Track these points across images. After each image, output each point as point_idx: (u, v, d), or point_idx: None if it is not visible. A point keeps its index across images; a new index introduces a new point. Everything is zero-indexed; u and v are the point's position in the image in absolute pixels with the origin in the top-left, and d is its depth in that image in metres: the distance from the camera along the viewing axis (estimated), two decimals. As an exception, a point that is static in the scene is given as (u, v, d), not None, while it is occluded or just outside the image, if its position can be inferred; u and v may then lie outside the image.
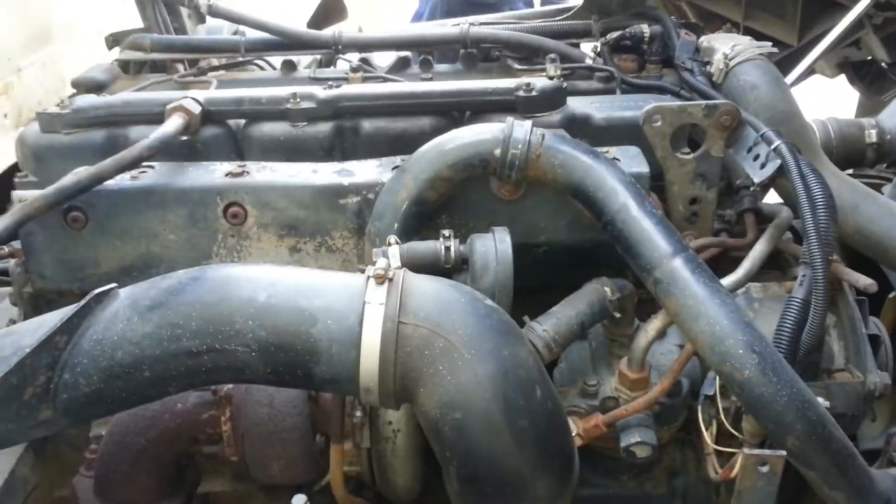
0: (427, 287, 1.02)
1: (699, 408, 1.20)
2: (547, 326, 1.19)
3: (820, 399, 1.14)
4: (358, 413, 1.20)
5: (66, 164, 1.36)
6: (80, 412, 1.03)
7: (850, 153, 1.72)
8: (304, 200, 1.31)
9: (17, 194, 1.35)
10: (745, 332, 1.02)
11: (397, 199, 1.22)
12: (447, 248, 1.13)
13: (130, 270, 1.34)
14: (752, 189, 1.31)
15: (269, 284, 1.02)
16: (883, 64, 2.62)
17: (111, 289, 1.04)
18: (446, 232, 1.16)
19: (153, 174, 1.35)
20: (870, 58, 2.64)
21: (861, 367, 1.20)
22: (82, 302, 1.01)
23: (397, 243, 1.15)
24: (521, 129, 1.19)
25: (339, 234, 1.33)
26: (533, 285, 1.32)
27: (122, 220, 1.32)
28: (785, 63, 2.58)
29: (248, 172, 1.34)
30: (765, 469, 0.96)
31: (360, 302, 0.98)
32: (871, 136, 1.75)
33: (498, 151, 1.19)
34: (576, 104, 1.48)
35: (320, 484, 1.31)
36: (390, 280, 1.01)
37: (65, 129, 1.46)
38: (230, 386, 1.27)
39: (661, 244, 1.10)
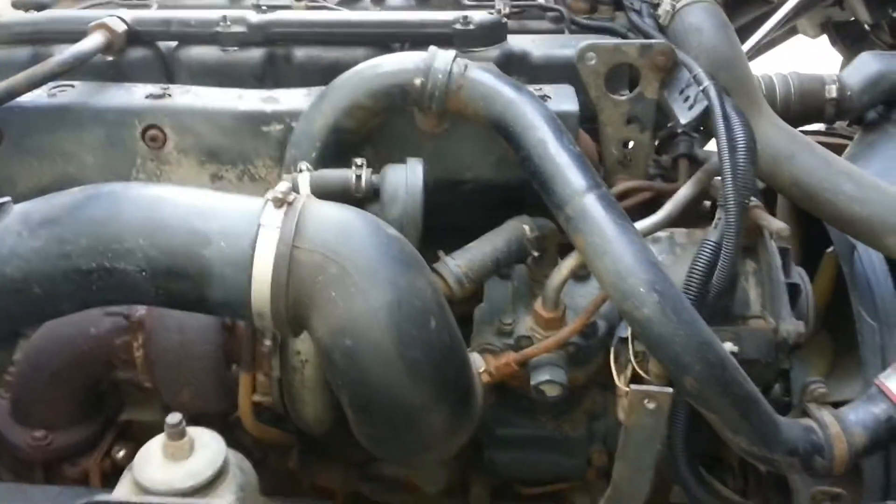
0: (327, 213, 1.00)
1: (612, 350, 1.19)
2: (460, 261, 1.17)
3: (728, 344, 1.14)
4: (267, 342, 1.19)
5: (-9, 81, 1.33)
6: None
7: (808, 108, 1.69)
8: (225, 126, 1.28)
9: (-73, 107, 1.31)
10: (647, 271, 1.01)
11: (314, 127, 1.19)
12: (358, 177, 1.11)
13: (47, 191, 1.31)
14: (679, 131, 1.29)
15: (165, 203, 0.99)
16: (865, 25, 2.58)
17: (4, 203, 1.01)
18: (359, 160, 1.13)
19: (72, 93, 1.31)
20: (853, 18, 2.59)
21: (776, 314, 1.19)
22: None
23: (308, 170, 1.12)
24: (443, 58, 1.16)
25: (261, 162, 1.30)
26: (461, 223, 1.31)
27: (37, 139, 1.29)
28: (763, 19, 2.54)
29: (169, 95, 1.31)
30: (651, 406, 0.95)
31: (255, 224, 0.96)
32: (832, 91, 1.71)
33: (418, 81, 1.16)
34: (515, 41, 1.44)
35: (235, 414, 1.31)
36: (289, 204, 0.98)
37: (-9, 44, 1.42)
38: (143, 311, 1.26)
39: (574, 180, 1.08)
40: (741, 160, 1.11)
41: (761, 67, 1.92)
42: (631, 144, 1.37)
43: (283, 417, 1.31)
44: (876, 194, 1.32)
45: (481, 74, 1.17)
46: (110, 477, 1.40)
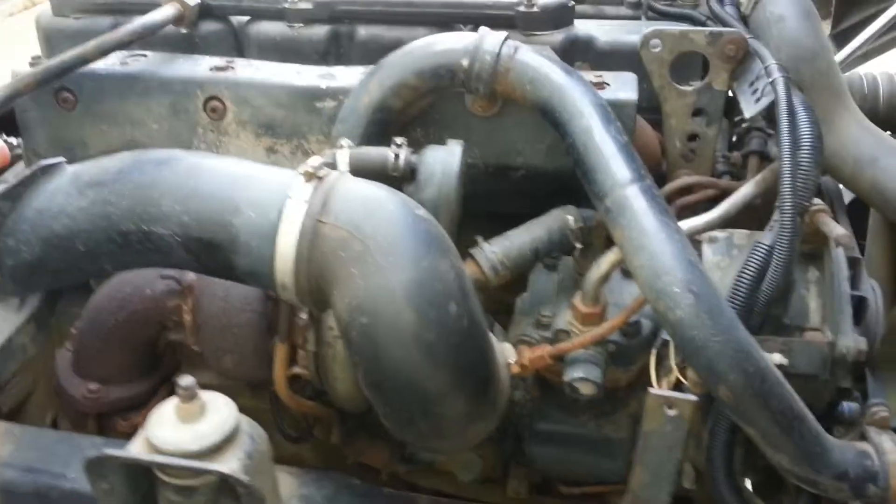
0: (356, 190, 0.99)
1: (653, 352, 1.14)
2: (496, 248, 1.14)
3: (777, 356, 1.06)
4: (303, 315, 1.20)
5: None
6: (24, 279, 1.07)
7: None
8: (281, 100, 1.30)
9: (13, 70, 1.39)
10: (685, 270, 0.95)
11: (360, 104, 1.19)
12: (396, 156, 1.10)
13: None
14: (744, 124, 1.21)
15: (202, 171, 1.02)
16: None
17: (58, 162, 1.06)
18: (399, 140, 1.12)
19: (143, 62, 1.36)
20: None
21: (836, 328, 1.10)
22: (28, 171, 1.04)
23: (350, 146, 1.12)
24: (492, 40, 1.13)
25: (314, 137, 1.31)
26: (513, 211, 1.28)
27: (108, 105, 1.35)
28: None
29: (232, 68, 1.34)
30: (672, 413, 0.90)
31: (284, 196, 0.97)
32: None
33: (466, 62, 1.14)
34: (583, 26, 1.39)
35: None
36: (320, 178, 0.99)
37: (73, 13, 1.49)
38: (193, 276, 1.30)
39: (617, 171, 1.03)
40: (804, 159, 1.03)
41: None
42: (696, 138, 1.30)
43: (322, 392, 1.32)
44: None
45: (531, 58, 1.13)
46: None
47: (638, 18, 1.55)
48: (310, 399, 1.33)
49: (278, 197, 0.97)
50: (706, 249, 1.19)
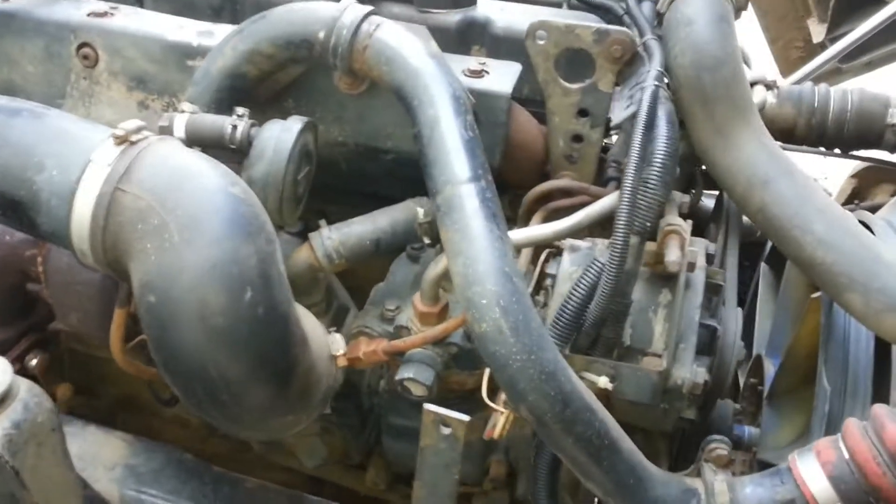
0: (169, 159, 0.94)
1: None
2: (334, 235, 1.09)
3: (603, 379, 1.01)
4: (139, 281, 1.15)
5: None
6: None
7: (865, 131, 1.49)
8: (154, 54, 1.24)
9: None
10: (497, 283, 0.89)
11: (213, 68, 1.13)
12: (234, 127, 1.04)
13: None
14: (611, 133, 1.14)
15: (17, 122, 0.97)
16: None
17: None
18: (240, 110, 1.06)
19: (23, 1, 1.31)
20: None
21: (675, 356, 1.04)
22: None
23: (192, 112, 1.07)
24: (352, 13, 1.06)
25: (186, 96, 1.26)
26: (385, 193, 1.23)
27: (-14, 43, 1.30)
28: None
29: (112, 15, 1.28)
30: (446, 431, 0.85)
31: (89, 158, 0.92)
32: (894, 116, 1.51)
33: (322, 34, 1.07)
34: (485, 7, 1.32)
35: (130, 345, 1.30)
36: (132, 143, 0.94)
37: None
38: (47, 227, 1.26)
39: (455, 167, 0.97)
40: (650, 177, 0.96)
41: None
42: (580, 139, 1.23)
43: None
44: (847, 241, 1.13)
45: (391, 36, 1.06)
46: (18, 382, 1.43)
47: (559, 5, 1.47)
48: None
49: (83, 158, 0.92)
50: (565, 258, 1.13)
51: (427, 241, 1.12)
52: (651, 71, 1.08)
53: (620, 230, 0.93)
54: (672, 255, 0.96)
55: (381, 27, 1.07)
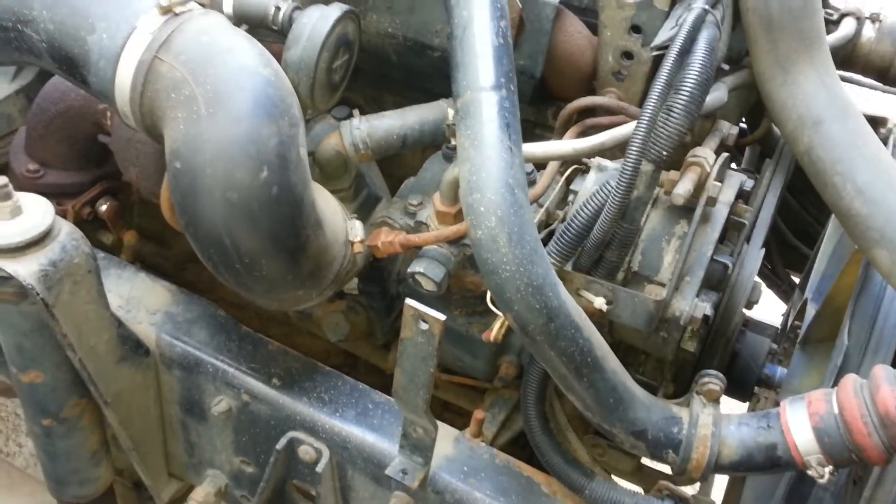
0: (208, 33, 0.98)
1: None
2: (363, 126, 1.12)
3: (599, 300, 1.03)
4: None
5: None
6: None
7: None
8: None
9: None
10: (497, 193, 0.91)
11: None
12: (277, 9, 1.07)
13: None
14: (652, 53, 1.09)
15: None
16: None
17: None
18: (284, -11, 1.08)
19: None
20: None
21: (678, 288, 1.04)
22: None
23: (241, -11, 1.10)
24: None
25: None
26: (436, 90, 1.24)
27: None
28: None
29: None
30: (424, 326, 0.89)
31: (134, 24, 0.98)
32: None
33: (377, -79, 1.07)
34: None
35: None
36: (175, 14, 0.98)
37: None
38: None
39: (479, 73, 0.97)
40: (674, 105, 0.93)
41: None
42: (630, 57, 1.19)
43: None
44: (888, 196, 1.08)
45: (440, -69, 1.05)
46: (88, 223, 1.57)
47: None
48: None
49: (130, 23, 0.98)
50: (590, 176, 1.13)
51: (453, 141, 1.13)
52: (705, -8, 1.03)
53: (632, 156, 0.92)
54: (681, 188, 0.94)
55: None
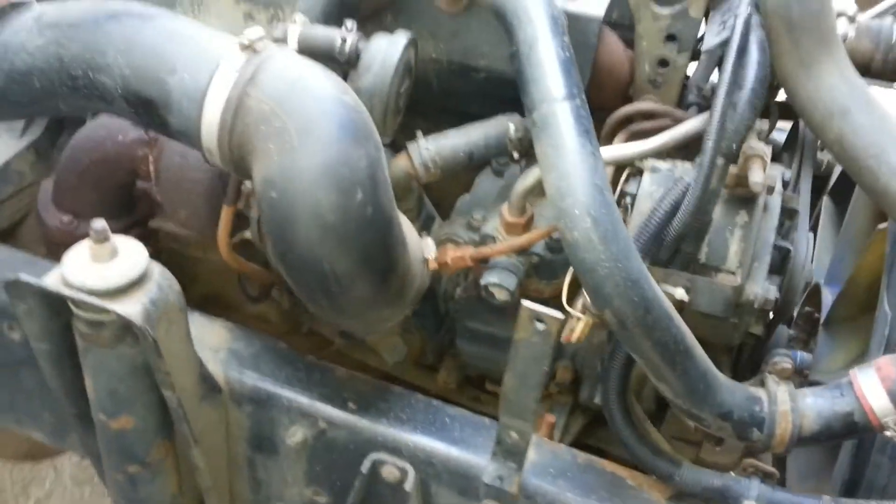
0: (289, 66, 1.02)
1: (570, 270, 1.16)
2: (431, 145, 1.16)
3: (679, 290, 1.09)
4: (248, 182, 1.25)
5: None
6: None
7: None
8: (260, -33, 1.31)
9: None
10: (588, 194, 0.96)
11: (324, -18, 1.19)
12: (343, 40, 1.11)
13: None
14: (703, 56, 1.17)
15: (149, 26, 1.05)
16: None
17: (27, 1, 1.11)
18: (349, 23, 1.12)
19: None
20: None
21: (747, 274, 1.10)
22: None
23: (303, 24, 1.13)
24: (459, -69, 1.11)
25: (290, 10, 1.32)
26: (472, 111, 1.29)
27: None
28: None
29: (220, -73, 1.34)
30: (540, 326, 0.93)
31: (218, 63, 1.00)
32: None
33: (429, -48, 1.12)
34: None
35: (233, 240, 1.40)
36: (255, 51, 1.01)
37: None
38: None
39: (550, 85, 1.02)
40: (740, 101, 1.01)
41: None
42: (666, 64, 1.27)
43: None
44: (922, 174, 1.17)
45: (494, -43, 1.11)
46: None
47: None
48: (264, 264, 1.40)
49: (212, 62, 1.00)
50: (646, 178, 1.19)
51: (516, 155, 1.18)
52: (747, -3, 1.11)
53: (710, 150, 0.99)
54: (756, 177, 1.01)
55: (486, -53, 1.11)
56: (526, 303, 0.93)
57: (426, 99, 1.36)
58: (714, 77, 1.45)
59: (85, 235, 1.46)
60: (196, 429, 1.14)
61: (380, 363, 1.57)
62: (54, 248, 1.53)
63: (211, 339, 1.32)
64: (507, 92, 1.30)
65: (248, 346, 1.32)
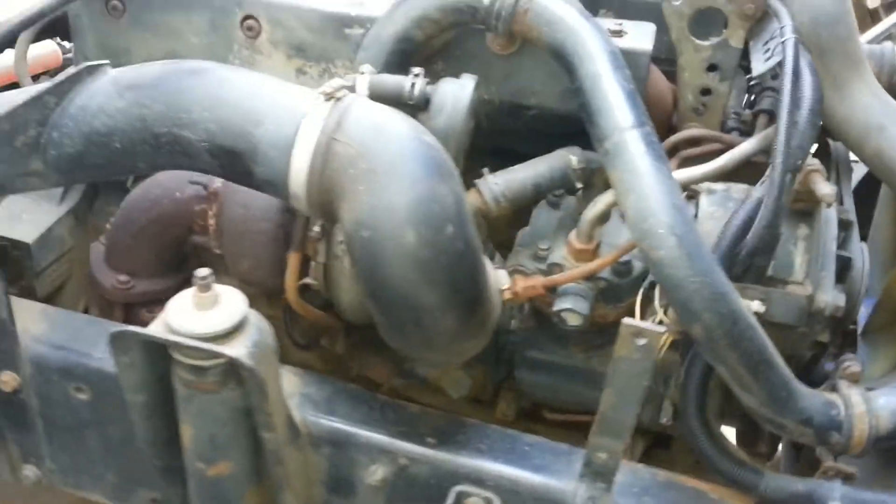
0: (370, 112, 1.06)
1: (640, 292, 1.20)
2: (499, 181, 1.21)
3: (756, 303, 1.13)
4: (316, 228, 1.28)
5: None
6: (66, 170, 1.17)
7: None
8: (312, 24, 1.36)
9: (65, -24, 1.47)
10: (670, 214, 1.01)
11: (384, 33, 1.25)
12: (412, 85, 1.16)
13: None
14: (752, 83, 1.25)
15: (230, 83, 1.09)
16: None
17: (103, 64, 1.15)
18: (416, 70, 1.18)
19: (188, -22, 1.43)
20: None
21: (816, 283, 1.16)
22: (74, 70, 1.12)
23: (370, 72, 1.18)
24: (514, -21, 1.18)
25: (342, 62, 1.38)
26: (523, 149, 1.34)
27: (153, 15, 1.42)
28: None
29: (270, -11, 1.40)
30: (641, 342, 0.97)
31: (303, 113, 1.04)
32: None
33: (487, 0, 1.19)
34: (611, -25, 1.43)
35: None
36: (337, 99, 1.06)
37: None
38: (219, 183, 1.39)
39: (619, 116, 1.08)
40: (801, 120, 1.07)
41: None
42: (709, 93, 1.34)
43: (332, 303, 1.42)
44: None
45: (549, 1, 1.18)
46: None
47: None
48: (319, 309, 1.42)
49: (297, 113, 1.05)
50: (703, 200, 1.24)
51: (579, 185, 1.23)
52: (787, 25, 1.19)
53: (780, 166, 1.04)
54: (825, 189, 1.07)
55: (541, -9, 1.18)
56: (627, 320, 0.96)
57: (475, 138, 1.41)
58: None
59: (141, 293, 1.51)
60: (287, 472, 1.15)
61: (432, 401, 1.58)
62: (109, 308, 1.55)
63: (284, 385, 1.33)
64: (555, 127, 1.36)
65: (320, 389, 1.34)
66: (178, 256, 1.53)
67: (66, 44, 1.99)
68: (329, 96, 1.05)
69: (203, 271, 1.00)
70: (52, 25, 1.58)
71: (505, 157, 1.34)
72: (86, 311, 1.64)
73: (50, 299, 1.65)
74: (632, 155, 1.05)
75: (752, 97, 1.55)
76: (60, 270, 1.69)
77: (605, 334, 1.37)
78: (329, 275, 1.31)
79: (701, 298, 1.00)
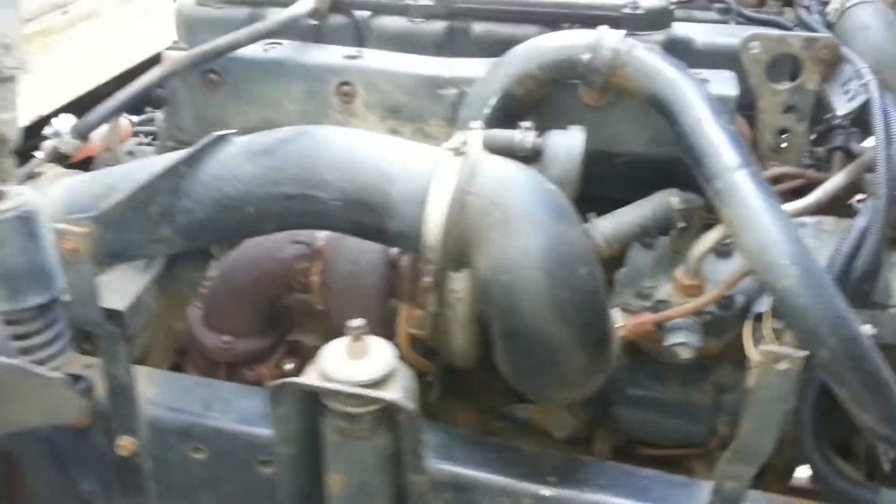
0: (495, 164, 1.13)
1: (747, 323, 1.26)
2: (608, 223, 1.28)
3: (867, 326, 1.18)
4: (427, 279, 1.33)
5: (213, 35, 1.55)
6: (193, 235, 1.22)
7: None
8: (407, 87, 1.44)
9: (166, 53, 1.55)
10: (790, 246, 1.08)
11: (487, 91, 1.33)
12: (523, 138, 1.23)
13: (252, 133, 1.52)
14: (836, 122, 1.33)
15: (358, 144, 1.16)
16: None
17: (230, 134, 1.21)
18: (526, 123, 1.25)
19: (282, 49, 1.52)
20: None
21: (916, 305, 1.22)
22: (205, 141, 1.19)
23: (481, 128, 1.26)
24: (611, 37, 1.27)
25: (434, 121, 1.45)
26: (613, 196, 1.41)
27: (251, 87, 1.50)
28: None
29: (362, 57, 1.48)
30: (783, 366, 1.02)
31: (435, 169, 1.11)
32: None
33: (587, 56, 1.27)
34: (680, 28, 1.52)
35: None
36: (464, 154, 1.13)
37: (216, 3, 1.65)
38: (322, 241, 1.45)
39: (726, 157, 1.16)
40: (894, 153, 1.15)
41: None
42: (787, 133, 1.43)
43: (432, 352, 1.46)
44: None
45: (646, 54, 1.26)
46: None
47: (725, 23, 1.68)
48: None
49: (429, 169, 1.11)
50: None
51: (681, 224, 1.30)
52: (864, 67, 1.28)
53: (884, 196, 1.12)
54: (924, 218, 1.14)
55: (636, 47, 1.27)
56: (764, 346, 1.02)
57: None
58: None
59: (244, 352, 1.55)
60: (423, 516, 1.18)
61: (528, 443, 1.62)
62: (211, 369, 1.58)
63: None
64: (642, 172, 1.43)
65: (433, 436, 1.37)
66: (276, 315, 1.57)
67: (134, 118, 2.07)
68: (457, 151, 1.12)
69: (357, 321, 1.05)
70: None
71: (592, 203, 1.40)
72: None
73: (139, 363, 1.69)
74: (744, 193, 1.12)
75: (814, 136, 1.64)
76: (147, 336, 1.74)
77: (703, 368, 1.42)
78: (441, 323, 1.36)
79: (827, 323, 1.06)
